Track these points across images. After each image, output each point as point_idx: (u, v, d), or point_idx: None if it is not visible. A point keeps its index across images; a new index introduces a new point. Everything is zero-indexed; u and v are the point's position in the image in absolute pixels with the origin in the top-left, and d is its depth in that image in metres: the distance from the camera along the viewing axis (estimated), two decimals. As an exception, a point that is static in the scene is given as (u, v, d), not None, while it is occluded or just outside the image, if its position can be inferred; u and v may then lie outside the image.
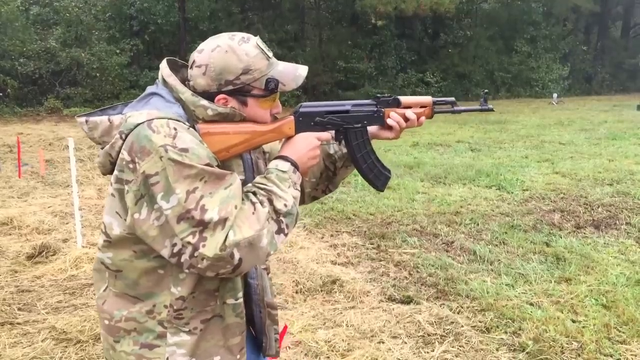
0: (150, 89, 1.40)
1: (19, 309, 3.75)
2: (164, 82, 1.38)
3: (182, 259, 1.23)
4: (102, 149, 1.33)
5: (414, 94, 25.36)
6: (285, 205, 1.32)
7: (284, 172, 1.37)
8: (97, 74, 20.07)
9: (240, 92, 1.38)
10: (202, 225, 1.21)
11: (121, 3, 22.41)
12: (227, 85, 1.36)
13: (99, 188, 7.41)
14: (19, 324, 3.52)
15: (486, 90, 1.88)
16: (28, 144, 11.43)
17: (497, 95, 27.45)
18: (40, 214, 6.05)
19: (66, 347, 3.23)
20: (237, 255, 1.23)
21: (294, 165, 1.40)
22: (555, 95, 23.83)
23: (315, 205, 6.14)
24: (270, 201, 1.30)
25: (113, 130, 1.31)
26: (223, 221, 1.22)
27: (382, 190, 1.66)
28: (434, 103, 1.68)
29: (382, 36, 26.26)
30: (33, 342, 3.28)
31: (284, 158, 1.41)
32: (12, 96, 19.03)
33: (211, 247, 1.21)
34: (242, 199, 1.29)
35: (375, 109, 1.60)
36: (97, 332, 3.35)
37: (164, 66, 1.40)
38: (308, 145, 1.46)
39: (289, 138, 1.48)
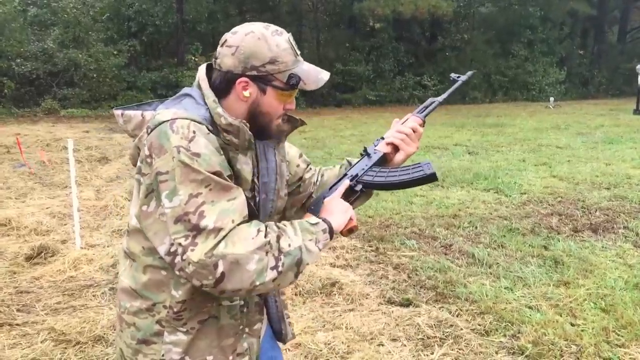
0: (185, 89, 1.44)
1: (18, 310, 3.74)
2: (198, 85, 1.42)
3: (176, 260, 1.24)
4: (134, 141, 1.40)
5: (411, 97, 25.43)
6: (289, 245, 1.30)
7: (312, 224, 1.38)
8: (95, 75, 20.05)
9: (262, 80, 1.40)
10: (196, 230, 1.22)
11: (119, 4, 22.40)
12: (252, 70, 1.39)
13: (97, 189, 7.41)
14: (17, 325, 3.52)
15: (457, 75, 1.87)
16: (25, 144, 11.37)
17: (494, 99, 27.51)
18: (38, 214, 6.04)
19: (65, 348, 3.22)
20: (220, 267, 1.21)
21: (330, 228, 1.41)
22: (552, 99, 23.83)
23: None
24: (278, 237, 1.29)
25: (144, 124, 1.37)
26: (217, 231, 1.23)
27: (436, 179, 1.64)
28: (419, 111, 1.73)
29: (380, 39, 26.28)
30: (32, 343, 3.28)
31: (324, 220, 1.42)
32: (9, 97, 19.00)
33: (198, 252, 1.21)
34: (250, 224, 1.29)
35: (370, 156, 1.66)
36: (96, 334, 3.35)
37: (201, 69, 1.44)
38: (346, 217, 1.49)
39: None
